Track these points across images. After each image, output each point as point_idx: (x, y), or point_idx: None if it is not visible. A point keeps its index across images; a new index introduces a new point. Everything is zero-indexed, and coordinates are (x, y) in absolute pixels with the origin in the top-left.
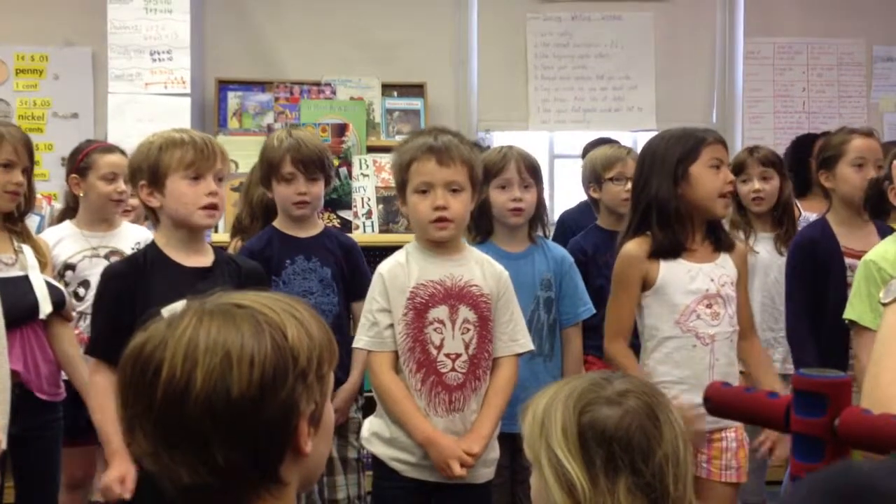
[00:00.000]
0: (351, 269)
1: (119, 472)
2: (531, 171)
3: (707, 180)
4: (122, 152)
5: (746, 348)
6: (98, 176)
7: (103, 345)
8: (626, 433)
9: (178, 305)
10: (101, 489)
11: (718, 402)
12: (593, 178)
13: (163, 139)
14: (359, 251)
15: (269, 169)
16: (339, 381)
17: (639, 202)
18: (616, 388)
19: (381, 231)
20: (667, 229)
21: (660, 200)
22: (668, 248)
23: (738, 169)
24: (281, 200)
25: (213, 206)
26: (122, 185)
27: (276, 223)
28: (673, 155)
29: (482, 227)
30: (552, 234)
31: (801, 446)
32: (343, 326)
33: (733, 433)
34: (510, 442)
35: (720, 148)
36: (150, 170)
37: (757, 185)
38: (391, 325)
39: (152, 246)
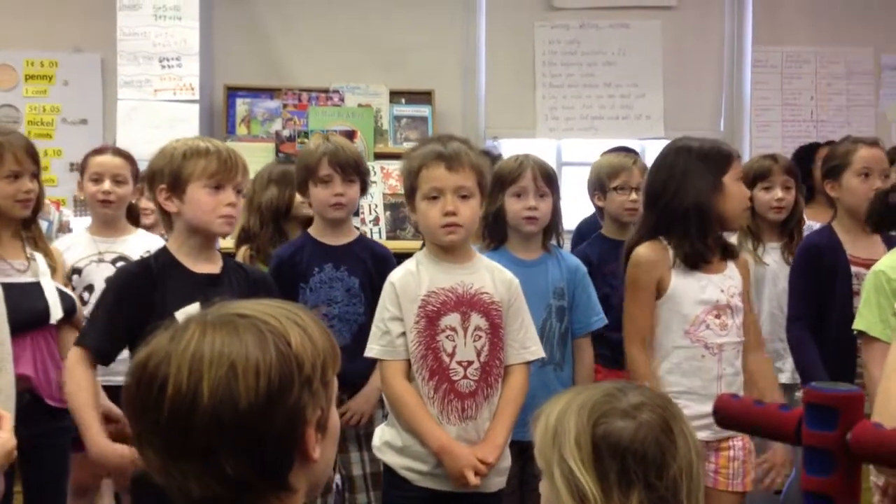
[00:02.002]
0: (381, 278)
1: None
2: (547, 180)
3: (738, 192)
4: (119, 153)
5: (755, 361)
6: (87, 177)
7: (95, 337)
8: (640, 446)
9: (192, 308)
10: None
11: (728, 414)
12: (598, 186)
13: (187, 146)
14: (392, 262)
15: (305, 172)
16: (358, 390)
17: (656, 208)
18: (631, 401)
19: (388, 238)
20: (699, 238)
21: (700, 209)
22: (696, 258)
23: (762, 175)
24: (317, 203)
25: (231, 216)
26: (106, 185)
27: (311, 230)
28: (711, 165)
29: (496, 234)
30: (570, 242)
31: (812, 460)
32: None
33: (740, 442)
34: (519, 450)
35: (740, 163)
36: (171, 175)
37: (780, 193)
38: (403, 334)
39: (164, 251)
